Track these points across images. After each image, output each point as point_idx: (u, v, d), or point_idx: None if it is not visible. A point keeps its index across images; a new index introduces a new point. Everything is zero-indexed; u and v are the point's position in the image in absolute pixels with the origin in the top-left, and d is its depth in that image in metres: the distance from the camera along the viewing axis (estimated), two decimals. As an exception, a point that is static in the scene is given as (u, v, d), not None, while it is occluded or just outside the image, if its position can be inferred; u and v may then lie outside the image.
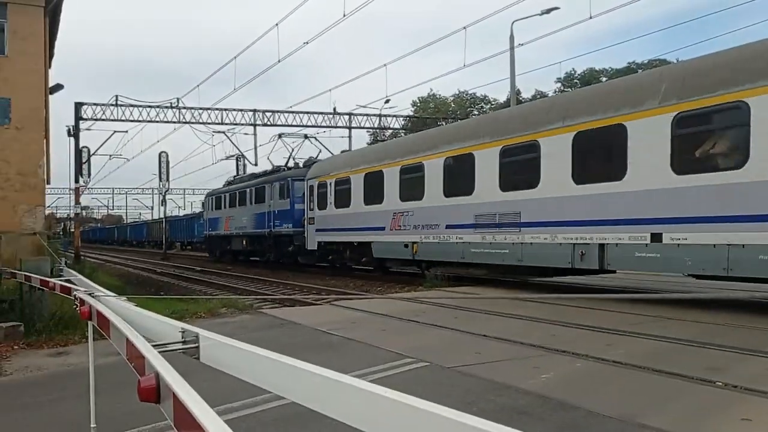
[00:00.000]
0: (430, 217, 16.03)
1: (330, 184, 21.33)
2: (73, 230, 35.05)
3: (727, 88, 9.34)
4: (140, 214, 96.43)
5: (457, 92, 55.16)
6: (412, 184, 16.72)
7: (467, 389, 5.35)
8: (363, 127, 36.66)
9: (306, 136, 29.93)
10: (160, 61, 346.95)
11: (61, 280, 6.48)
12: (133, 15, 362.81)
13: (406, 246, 17.13)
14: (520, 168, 13.25)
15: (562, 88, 48.50)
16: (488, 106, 52.97)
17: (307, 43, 25.40)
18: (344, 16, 22.29)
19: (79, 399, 4.73)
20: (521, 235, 13.16)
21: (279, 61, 26.28)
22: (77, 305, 3.69)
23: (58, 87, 20.00)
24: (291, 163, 28.43)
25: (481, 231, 14.27)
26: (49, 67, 18.41)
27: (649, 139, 10.44)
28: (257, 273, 23.55)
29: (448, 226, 15.39)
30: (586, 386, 5.46)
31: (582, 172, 11.80)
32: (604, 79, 42.00)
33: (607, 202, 11.24)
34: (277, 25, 24.82)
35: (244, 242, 30.49)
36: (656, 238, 10.42)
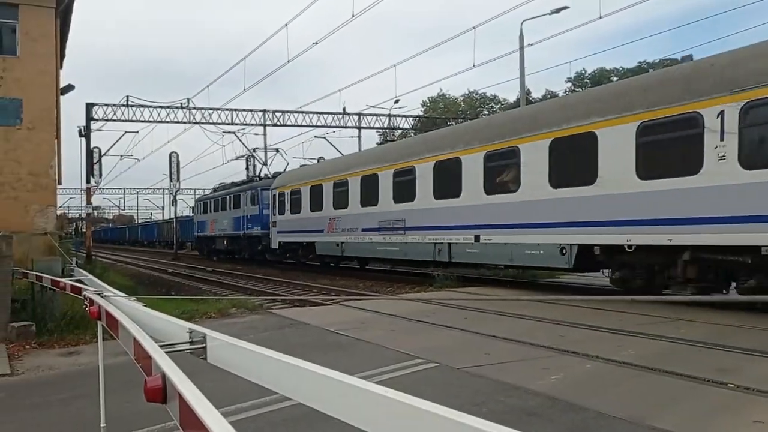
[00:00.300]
0: (353, 222, 20.04)
1: (287, 193, 25.33)
2: (84, 230, 35.41)
3: (510, 137, 13.59)
4: (151, 214, 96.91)
5: (467, 92, 54.94)
6: (341, 196, 20.78)
7: (477, 390, 5.33)
8: (372, 127, 36.79)
9: (277, 150, 34.77)
10: (165, 61, 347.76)
11: (71, 280, 6.53)
12: (136, 16, 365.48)
13: (337, 245, 21.16)
14: (405, 186, 17.27)
15: (572, 87, 48.17)
16: (498, 106, 52.71)
17: (317, 43, 25.52)
18: (353, 16, 22.35)
19: (90, 398, 4.76)
20: (405, 236, 17.21)
21: (288, 62, 26.41)
22: (87, 305, 3.72)
23: (69, 87, 20.15)
24: (264, 174, 32.78)
25: (383, 233, 18.24)
26: (61, 67, 18.56)
27: (473, 169, 14.55)
28: (267, 273, 23.63)
29: (363, 230, 19.43)
30: (595, 387, 5.42)
31: (439, 190, 15.87)
32: (614, 78, 41.71)
33: (451, 213, 15.28)
34: (286, 25, 24.91)
35: (225, 242, 34.36)
36: (477, 239, 14.45)
